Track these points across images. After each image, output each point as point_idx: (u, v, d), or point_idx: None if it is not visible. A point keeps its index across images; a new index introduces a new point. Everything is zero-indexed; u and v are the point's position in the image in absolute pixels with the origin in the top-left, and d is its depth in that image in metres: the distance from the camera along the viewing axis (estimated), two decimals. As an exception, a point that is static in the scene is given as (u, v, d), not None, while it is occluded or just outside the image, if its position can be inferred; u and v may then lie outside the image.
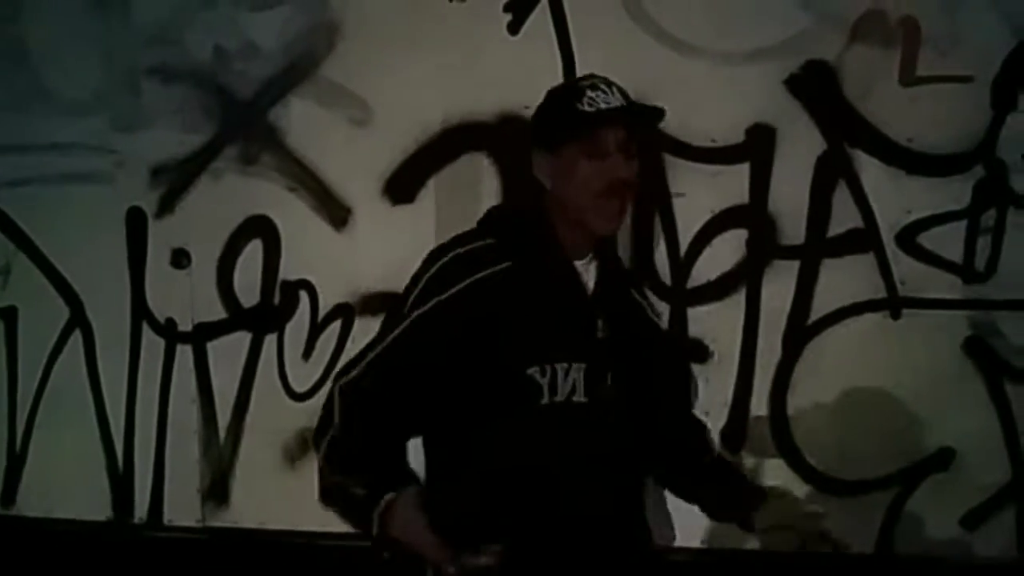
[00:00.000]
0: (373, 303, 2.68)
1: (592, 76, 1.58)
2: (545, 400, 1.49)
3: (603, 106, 1.52)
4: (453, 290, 1.51)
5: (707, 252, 2.48)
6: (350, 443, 1.53)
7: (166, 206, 2.80)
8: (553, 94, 1.61)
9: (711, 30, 2.44)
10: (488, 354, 1.49)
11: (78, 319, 2.87)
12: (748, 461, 2.45)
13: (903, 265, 2.41)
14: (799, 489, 2.44)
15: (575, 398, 1.50)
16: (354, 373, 1.55)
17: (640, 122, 1.60)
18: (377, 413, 1.53)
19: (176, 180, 2.79)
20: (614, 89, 1.54)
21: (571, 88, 1.59)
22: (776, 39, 2.41)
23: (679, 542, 2.37)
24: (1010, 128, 2.34)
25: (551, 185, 1.57)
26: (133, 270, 2.82)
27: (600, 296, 1.59)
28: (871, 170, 2.41)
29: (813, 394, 2.43)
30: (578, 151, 1.53)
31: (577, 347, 1.52)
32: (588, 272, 1.59)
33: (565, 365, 1.50)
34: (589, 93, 1.53)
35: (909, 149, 2.39)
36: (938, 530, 2.42)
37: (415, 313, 1.52)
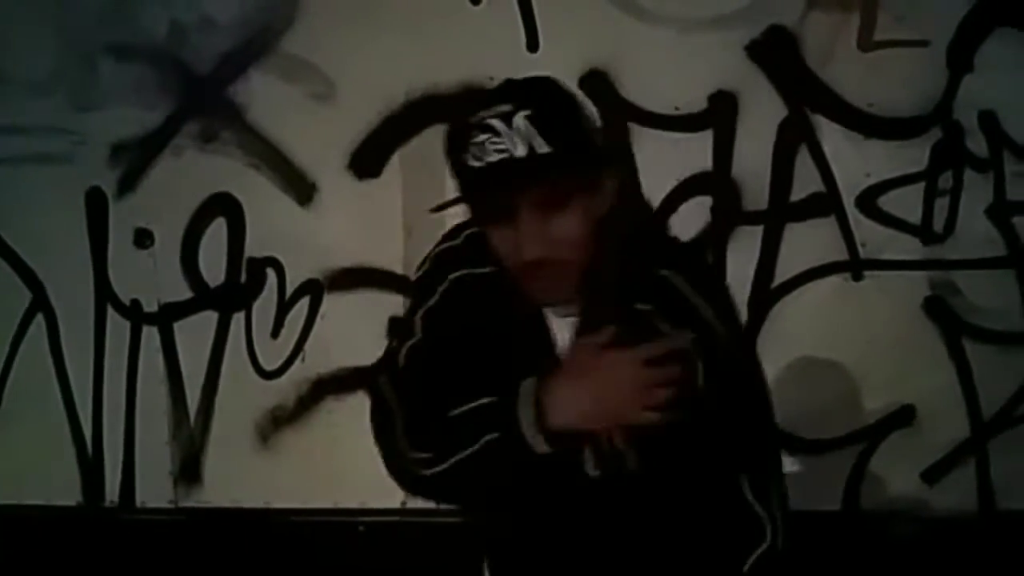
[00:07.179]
0: (341, 279, 2.67)
1: (496, 98, 1.14)
2: None
3: (492, 158, 1.10)
4: (441, 288, 1.27)
5: (673, 219, 2.50)
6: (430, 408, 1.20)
7: (127, 185, 2.75)
8: (446, 138, 1.20)
9: (673, -2, 2.45)
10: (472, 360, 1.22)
11: (40, 303, 2.82)
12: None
13: (864, 228, 2.45)
14: (766, 450, 2.50)
15: None
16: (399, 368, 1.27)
17: (548, 172, 1.11)
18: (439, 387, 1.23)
19: (136, 159, 2.74)
20: (517, 122, 1.10)
21: (459, 130, 1.15)
22: (737, 6, 2.41)
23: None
24: (966, 90, 2.38)
25: None
26: (95, 251, 2.77)
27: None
28: (831, 135, 2.43)
29: (778, 356, 2.44)
30: (479, 215, 1.17)
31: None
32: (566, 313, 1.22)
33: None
34: (476, 137, 1.11)
35: (868, 113, 2.42)
36: (901, 486, 2.48)
37: (419, 312, 1.28)
